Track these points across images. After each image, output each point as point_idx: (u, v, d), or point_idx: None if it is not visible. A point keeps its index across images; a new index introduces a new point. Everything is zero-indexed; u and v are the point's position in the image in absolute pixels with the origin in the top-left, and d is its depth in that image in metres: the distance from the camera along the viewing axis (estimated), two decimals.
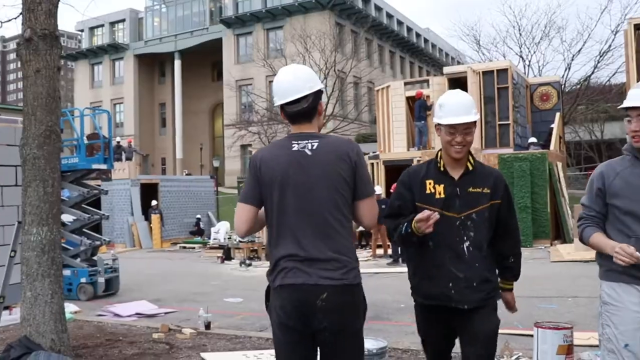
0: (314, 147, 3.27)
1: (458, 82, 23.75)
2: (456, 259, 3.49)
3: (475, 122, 3.52)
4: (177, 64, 62.23)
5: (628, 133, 3.41)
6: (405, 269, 3.92)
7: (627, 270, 3.28)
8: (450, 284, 3.48)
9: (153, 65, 67.07)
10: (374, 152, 25.23)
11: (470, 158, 3.61)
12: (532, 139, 23.04)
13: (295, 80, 3.37)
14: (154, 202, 26.14)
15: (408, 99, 24.77)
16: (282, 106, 3.38)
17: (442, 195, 3.53)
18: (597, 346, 3.83)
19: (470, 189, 3.53)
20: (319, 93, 3.42)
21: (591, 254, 3.98)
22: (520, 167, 19.95)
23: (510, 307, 3.80)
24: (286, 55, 46.51)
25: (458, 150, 3.49)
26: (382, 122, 25.49)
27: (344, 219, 3.23)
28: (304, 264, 3.16)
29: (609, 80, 41.56)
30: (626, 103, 3.39)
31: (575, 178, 39.22)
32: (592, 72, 41.13)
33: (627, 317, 3.30)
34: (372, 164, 22.25)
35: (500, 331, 7.74)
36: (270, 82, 51.09)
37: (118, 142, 28.80)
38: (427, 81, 26.18)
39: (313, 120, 3.40)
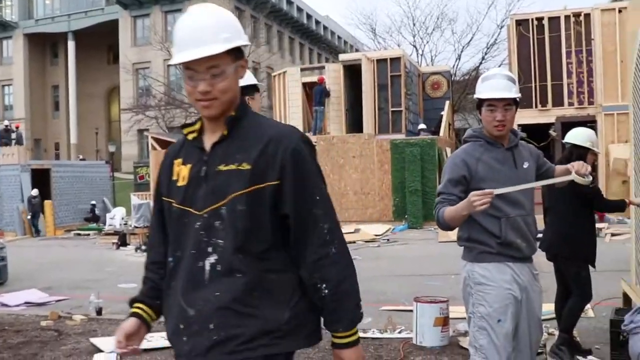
0: None
1: (353, 69, 24.32)
2: (190, 284, 2.14)
3: (231, 56, 2.15)
4: (71, 45, 60.12)
5: (488, 121, 3.55)
6: None
7: (500, 250, 3.49)
8: (182, 326, 2.16)
9: (44, 46, 64.48)
10: None
11: (235, 112, 2.20)
12: (422, 125, 23.93)
13: None
14: (34, 192, 24.58)
15: (305, 84, 25.12)
16: None
17: (185, 182, 2.21)
18: None
19: (222, 167, 2.13)
20: (243, 89, 3.90)
21: None
22: (411, 152, 20.73)
23: None
24: None
25: (206, 104, 2.14)
26: (278, 107, 25.75)
27: None
28: None
29: None
30: (491, 94, 3.53)
31: None
32: (480, 63, 43.10)
33: (500, 295, 3.47)
34: None
35: (385, 308, 8.22)
36: (169, 66, 50.39)
37: (6, 126, 27.83)
38: (323, 67, 26.59)
39: None
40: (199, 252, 2.12)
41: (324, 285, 2.10)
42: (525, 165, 3.65)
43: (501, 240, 3.49)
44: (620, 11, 19.66)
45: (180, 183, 2.21)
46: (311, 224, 2.12)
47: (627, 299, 6.04)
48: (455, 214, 3.38)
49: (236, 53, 2.16)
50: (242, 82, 3.98)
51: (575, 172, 3.44)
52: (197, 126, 2.26)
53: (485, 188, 3.38)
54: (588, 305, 6.67)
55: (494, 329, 3.48)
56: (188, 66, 2.10)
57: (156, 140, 27.90)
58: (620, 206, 5.70)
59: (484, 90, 3.58)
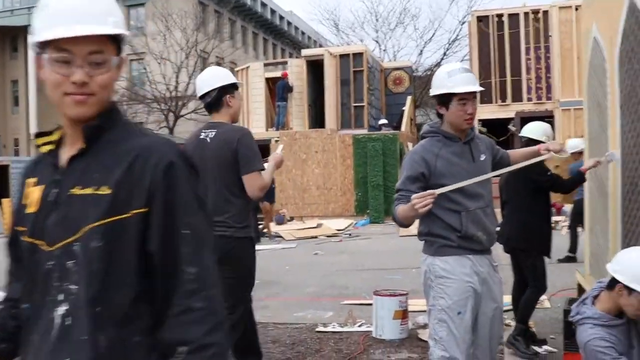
0: (212, 136, 4.19)
1: (316, 65, 24.33)
2: (42, 341, 1.63)
3: (115, 47, 1.68)
4: (31, 38, 59.13)
5: (459, 115, 3.56)
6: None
7: (460, 243, 3.53)
8: None
9: (4, 40, 63.16)
10: None
11: (98, 119, 1.67)
12: (383, 120, 24.02)
13: (199, 81, 4.33)
14: None
15: (268, 80, 25.07)
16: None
17: (35, 208, 1.70)
18: None
19: (77, 190, 1.63)
20: (223, 89, 4.27)
21: None
22: (373, 147, 20.89)
23: None
24: (147, 33, 45.42)
25: (80, 99, 1.62)
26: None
27: (227, 192, 4.13)
28: None
29: None
30: (466, 89, 3.54)
31: None
32: (442, 59, 43.31)
33: (460, 288, 3.51)
34: None
35: (346, 302, 8.28)
36: (131, 60, 49.84)
37: None
38: (286, 63, 26.56)
39: (221, 111, 4.26)
40: (51, 300, 1.60)
41: (183, 349, 1.54)
42: (482, 157, 3.70)
43: (462, 234, 3.53)
44: (577, 9, 19.99)
45: (30, 209, 1.69)
46: (176, 267, 1.59)
47: (581, 290, 6.15)
48: (405, 214, 3.41)
49: (120, 46, 1.69)
50: (223, 81, 4.24)
51: (553, 151, 3.58)
52: (54, 136, 1.74)
53: (446, 183, 3.45)
54: (544, 296, 6.81)
55: (454, 321, 3.53)
56: (63, 47, 1.59)
57: None
58: (579, 178, 5.62)
59: (455, 85, 3.56)
